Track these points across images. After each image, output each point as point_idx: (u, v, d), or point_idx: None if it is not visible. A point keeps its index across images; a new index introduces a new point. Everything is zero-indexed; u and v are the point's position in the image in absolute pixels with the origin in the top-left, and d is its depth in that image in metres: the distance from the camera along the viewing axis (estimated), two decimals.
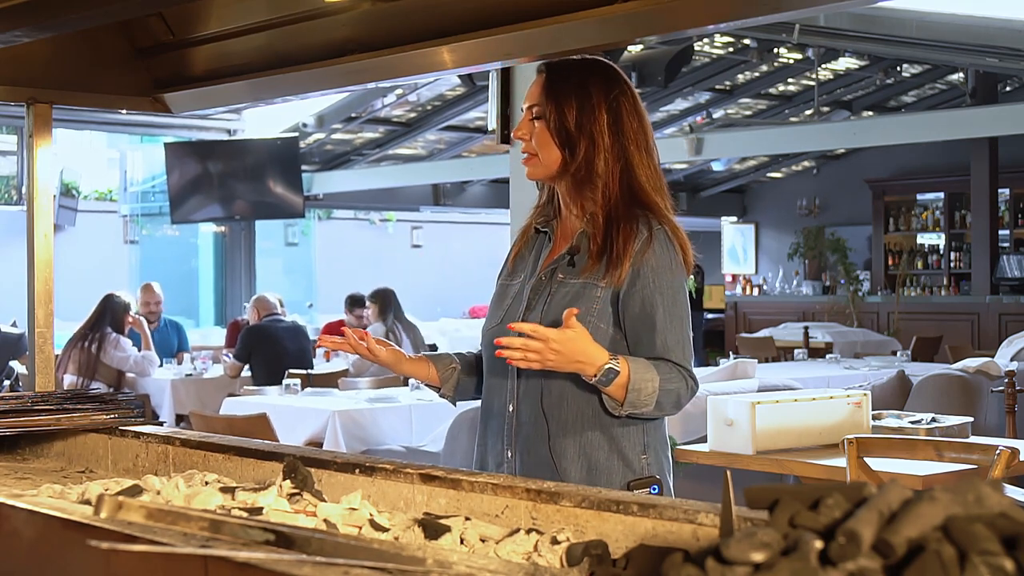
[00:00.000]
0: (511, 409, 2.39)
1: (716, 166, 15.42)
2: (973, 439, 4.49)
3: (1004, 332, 11.54)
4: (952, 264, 14.74)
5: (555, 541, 1.66)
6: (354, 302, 9.93)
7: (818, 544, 1.00)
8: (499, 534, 1.73)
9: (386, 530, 1.76)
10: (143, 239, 14.28)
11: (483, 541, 1.72)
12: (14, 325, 8.99)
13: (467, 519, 1.79)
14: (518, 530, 1.72)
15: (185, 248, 14.73)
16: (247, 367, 8.35)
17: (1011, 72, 11.86)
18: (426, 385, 2.59)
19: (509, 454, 2.39)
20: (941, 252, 14.96)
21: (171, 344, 9.14)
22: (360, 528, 1.77)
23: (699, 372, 7.56)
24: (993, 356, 8.15)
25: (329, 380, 7.78)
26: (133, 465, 2.59)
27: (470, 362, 2.58)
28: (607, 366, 2.21)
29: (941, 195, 14.95)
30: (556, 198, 2.47)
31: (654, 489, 2.32)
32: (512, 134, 2.49)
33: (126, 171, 13.88)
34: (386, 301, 8.93)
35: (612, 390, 2.24)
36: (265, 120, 12.20)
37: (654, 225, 2.33)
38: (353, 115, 12.03)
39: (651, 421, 2.36)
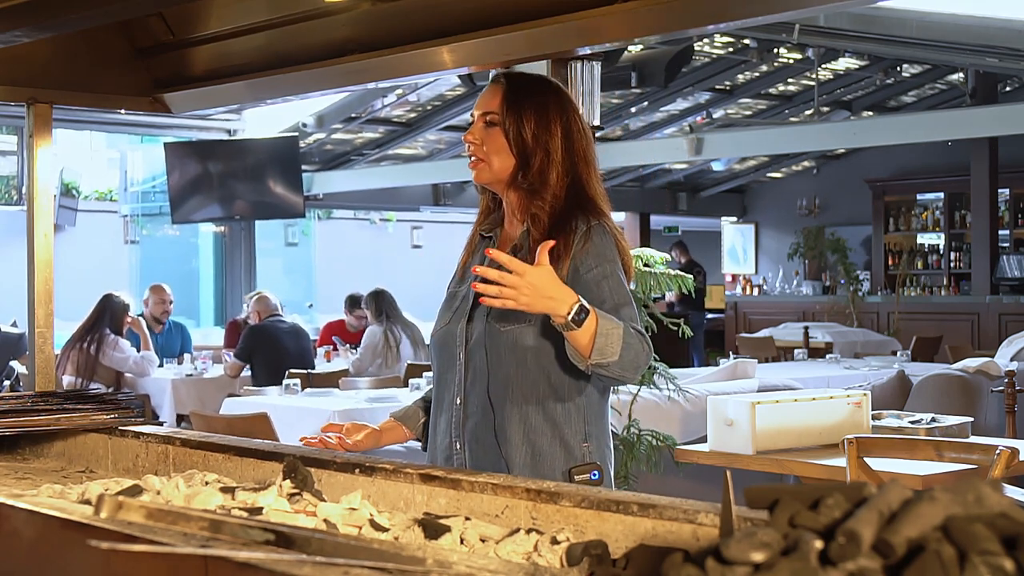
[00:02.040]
0: (459, 402, 2.45)
1: (716, 166, 15.41)
2: (973, 439, 4.49)
3: (1004, 332, 11.53)
4: (952, 264, 14.74)
5: (555, 541, 1.66)
6: (354, 302, 9.93)
7: (818, 544, 1.00)
8: (499, 534, 1.73)
9: (386, 530, 1.76)
10: (143, 239, 14.27)
11: (483, 541, 1.72)
12: (14, 325, 8.98)
13: (467, 519, 1.79)
14: (518, 530, 1.72)
15: (185, 248, 14.72)
16: (247, 367, 8.35)
17: (1011, 72, 11.85)
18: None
19: (458, 446, 2.45)
20: (941, 252, 14.95)
21: (175, 346, 9.14)
22: (360, 528, 1.77)
23: (699, 372, 7.59)
24: (993, 356, 8.15)
25: (329, 380, 7.78)
26: (133, 465, 2.59)
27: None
28: (579, 304, 2.22)
29: (941, 195, 14.94)
30: (501, 206, 2.56)
31: (594, 475, 2.39)
32: (463, 138, 2.53)
33: (126, 171, 13.87)
34: (381, 303, 8.92)
35: (580, 335, 2.23)
36: (265, 120, 12.19)
37: (592, 221, 2.42)
38: (353, 115, 12.01)
39: (592, 410, 2.43)
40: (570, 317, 2.21)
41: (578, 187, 2.47)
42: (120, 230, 13.98)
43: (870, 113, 13.53)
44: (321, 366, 8.92)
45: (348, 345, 9.58)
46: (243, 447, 2.34)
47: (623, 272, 2.44)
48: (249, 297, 9.31)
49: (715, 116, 13.14)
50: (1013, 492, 3.81)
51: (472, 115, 2.54)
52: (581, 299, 2.22)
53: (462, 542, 1.72)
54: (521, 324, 2.38)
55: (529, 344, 2.38)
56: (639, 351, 2.30)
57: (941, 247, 14.99)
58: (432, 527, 1.73)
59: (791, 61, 11.75)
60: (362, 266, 15.19)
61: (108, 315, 8.04)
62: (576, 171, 2.47)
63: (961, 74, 12.58)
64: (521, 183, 2.46)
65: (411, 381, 7.17)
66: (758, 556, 0.99)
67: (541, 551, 1.65)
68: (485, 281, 2.22)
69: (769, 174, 16.73)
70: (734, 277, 16.74)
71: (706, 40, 10.73)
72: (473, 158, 2.49)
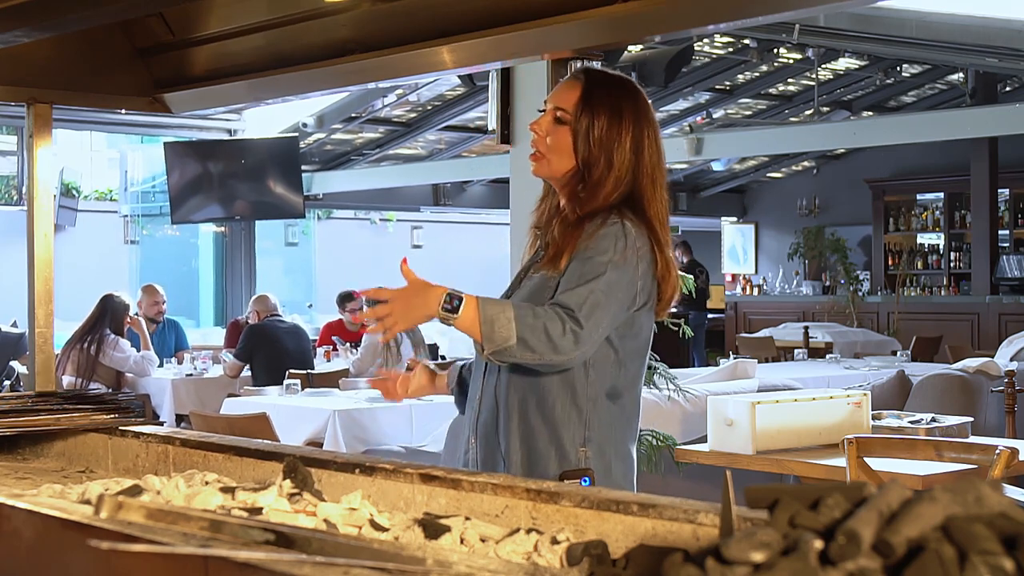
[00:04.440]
0: (477, 398, 2.49)
1: (716, 166, 15.41)
2: (973, 439, 4.49)
3: (1004, 332, 11.53)
4: (952, 264, 14.74)
5: (555, 541, 1.66)
6: (344, 299, 9.92)
7: (818, 544, 1.00)
8: (499, 534, 1.73)
9: (386, 530, 1.76)
10: (143, 239, 14.26)
11: (483, 541, 1.72)
12: (14, 325, 8.99)
13: (467, 519, 1.79)
14: (518, 530, 1.72)
15: (185, 248, 14.71)
16: (247, 367, 8.35)
17: (1011, 72, 11.85)
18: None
19: (473, 440, 2.49)
20: (941, 252, 14.96)
21: (169, 344, 9.14)
22: (360, 528, 1.77)
23: (699, 372, 7.57)
24: (993, 356, 8.15)
25: (329, 380, 7.77)
26: (133, 465, 2.59)
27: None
28: (447, 294, 2.25)
29: (941, 195, 14.95)
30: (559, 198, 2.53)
31: (585, 481, 2.33)
32: (529, 126, 2.50)
33: (126, 171, 13.86)
34: None
35: (467, 325, 2.24)
36: (265, 120, 12.18)
37: (612, 218, 2.35)
38: (353, 115, 12.02)
39: (598, 417, 2.39)
40: (441, 307, 2.24)
41: (636, 205, 2.38)
42: (120, 230, 13.97)
43: (870, 113, 13.53)
44: (321, 366, 8.91)
45: (348, 345, 9.58)
46: (243, 447, 2.34)
47: (621, 266, 2.31)
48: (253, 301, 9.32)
49: (715, 116, 13.14)
50: (1013, 492, 3.82)
51: (544, 104, 2.48)
52: (450, 290, 2.26)
53: (462, 542, 1.72)
54: None
55: None
56: (547, 331, 2.22)
57: (941, 247, 14.99)
58: (432, 527, 1.73)
59: (791, 61, 11.75)
60: (362, 266, 15.19)
61: (108, 315, 8.04)
62: (638, 186, 2.39)
63: (961, 74, 12.58)
64: (578, 191, 2.41)
65: None
66: (758, 556, 0.99)
67: (541, 551, 1.65)
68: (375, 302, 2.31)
69: (769, 174, 16.73)
70: (734, 277, 16.73)
71: (706, 40, 10.73)
72: (534, 151, 2.45)
